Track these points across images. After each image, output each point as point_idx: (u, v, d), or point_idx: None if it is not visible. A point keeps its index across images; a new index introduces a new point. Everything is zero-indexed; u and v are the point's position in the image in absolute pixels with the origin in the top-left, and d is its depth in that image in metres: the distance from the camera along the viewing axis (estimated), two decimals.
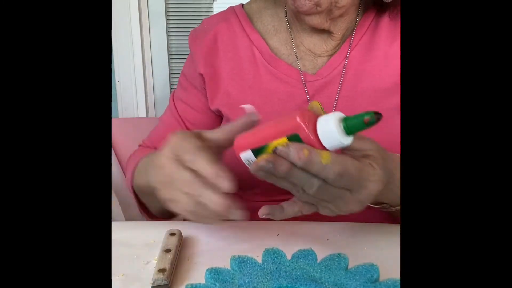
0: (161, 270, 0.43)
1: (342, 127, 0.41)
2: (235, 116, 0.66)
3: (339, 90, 0.65)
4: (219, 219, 0.43)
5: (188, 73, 0.73)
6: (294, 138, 0.42)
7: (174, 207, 0.45)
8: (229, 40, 0.70)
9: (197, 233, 0.53)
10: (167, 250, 0.47)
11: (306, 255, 0.45)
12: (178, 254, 0.48)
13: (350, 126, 0.41)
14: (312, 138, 0.41)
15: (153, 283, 0.43)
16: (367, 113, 0.40)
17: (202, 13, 1.43)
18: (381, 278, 0.42)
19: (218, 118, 0.72)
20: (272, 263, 0.43)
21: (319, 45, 0.67)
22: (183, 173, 0.43)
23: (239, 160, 0.46)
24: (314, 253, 0.45)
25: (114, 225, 0.57)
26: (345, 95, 0.64)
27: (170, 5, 1.43)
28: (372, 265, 0.43)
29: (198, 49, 0.71)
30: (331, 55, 0.66)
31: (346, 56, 0.65)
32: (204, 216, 0.43)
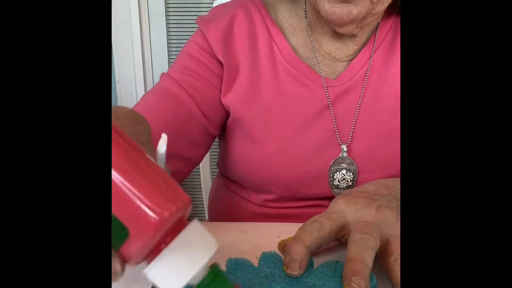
0: None
1: (200, 278, 0.28)
2: (247, 115, 0.61)
3: (361, 96, 0.60)
4: None
5: (199, 53, 0.63)
6: (116, 227, 0.26)
7: None
8: (247, 28, 0.63)
9: None
10: None
11: None
12: None
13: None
14: (138, 256, 0.27)
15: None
16: None
17: (202, 13, 1.43)
18: (379, 286, 0.42)
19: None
20: (268, 267, 0.43)
21: (341, 49, 0.62)
22: None
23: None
24: (311, 259, 0.44)
25: None
26: (367, 102, 0.60)
27: (170, 5, 1.43)
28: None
29: (213, 32, 0.62)
30: (350, 60, 0.62)
31: (369, 60, 0.61)
32: None
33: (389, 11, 0.63)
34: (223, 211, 0.71)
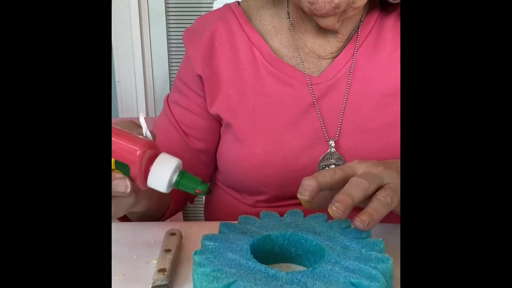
0: (161, 270, 0.43)
1: (175, 178, 0.45)
2: (235, 121, 0.64)
3: (346, 93, 0.62)
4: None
5: (184, 75, 0.69)
6: (122, 167, 0.44)
7: None
8: (227, 40, 0.66)
9: (197, 233, 0.53)
10: (167, 250, 0.47)
11: (318, 215, 0.49)
12: (178, 254, 0.48)
13: (182, 184, 0.45)
14: (140, 178, 0.44)
15: (153, 283, 0.43)
16: (203, 184, 0.45)
17: (202, 13, 1.42)
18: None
19: (218, 122, 0.69)
20: (290, 218, 0.48)
21: (324, 46, 0.64)
22: None
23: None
24: (326, 215, 0.48)
25: (114, 225, 0.57)
26: (353, 99, 0.62)
27: (170, 5, 1.43)
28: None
29: (195, 49, 0.67)
30: (334, 57, 0.64)
31: (352, 57, 0.63)
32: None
33: (370, 8, 0.64)
34: (216, 211, 0.73)
